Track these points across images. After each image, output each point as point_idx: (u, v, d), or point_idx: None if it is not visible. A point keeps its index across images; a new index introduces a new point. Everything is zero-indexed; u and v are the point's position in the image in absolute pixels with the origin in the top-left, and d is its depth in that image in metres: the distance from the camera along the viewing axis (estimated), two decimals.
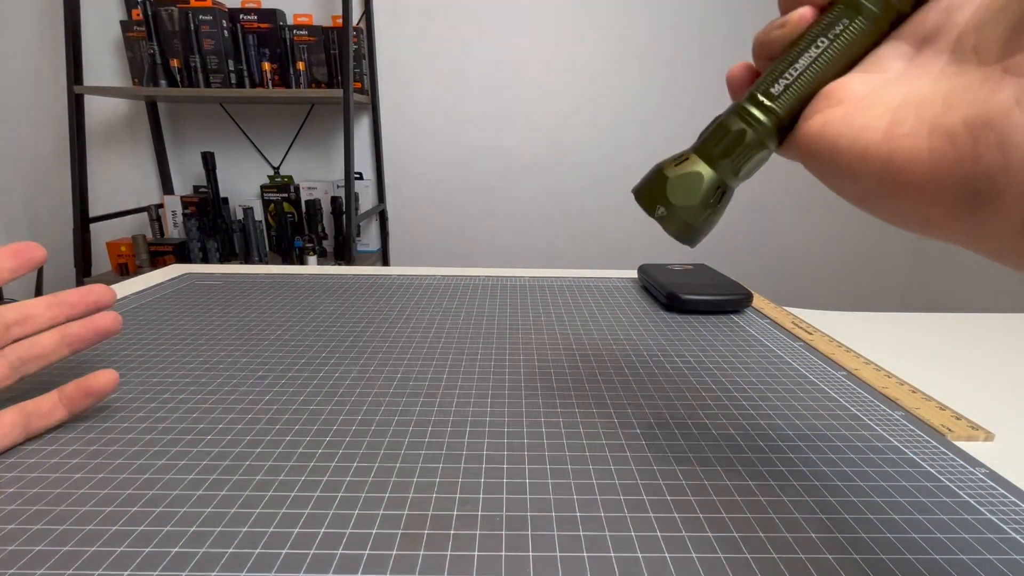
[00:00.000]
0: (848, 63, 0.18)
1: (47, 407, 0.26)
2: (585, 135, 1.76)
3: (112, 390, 0.27)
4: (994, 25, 0.14)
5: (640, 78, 1.72)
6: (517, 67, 1.70)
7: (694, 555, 0.19)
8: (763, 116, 0.19)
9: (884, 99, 0.16)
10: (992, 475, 0.24)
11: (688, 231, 0.20)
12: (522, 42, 1.68)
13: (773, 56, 0.19)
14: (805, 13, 0.18)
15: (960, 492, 0.23)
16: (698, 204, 0.20)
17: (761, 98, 0.19)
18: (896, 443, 0.26)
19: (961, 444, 0.27)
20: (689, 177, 0.20)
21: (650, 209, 0.21)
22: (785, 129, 0.19)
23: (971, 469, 0.24)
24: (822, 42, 0.17)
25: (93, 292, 0.29)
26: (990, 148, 0.12)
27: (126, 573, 0.18)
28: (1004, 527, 0.21)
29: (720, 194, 0.20)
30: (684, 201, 0.20)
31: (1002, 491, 0.23)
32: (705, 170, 0.20)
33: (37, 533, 0.20)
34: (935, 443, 0.26)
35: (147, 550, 0.19)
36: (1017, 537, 0.20)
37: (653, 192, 0.20)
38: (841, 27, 0.17)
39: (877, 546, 0.19)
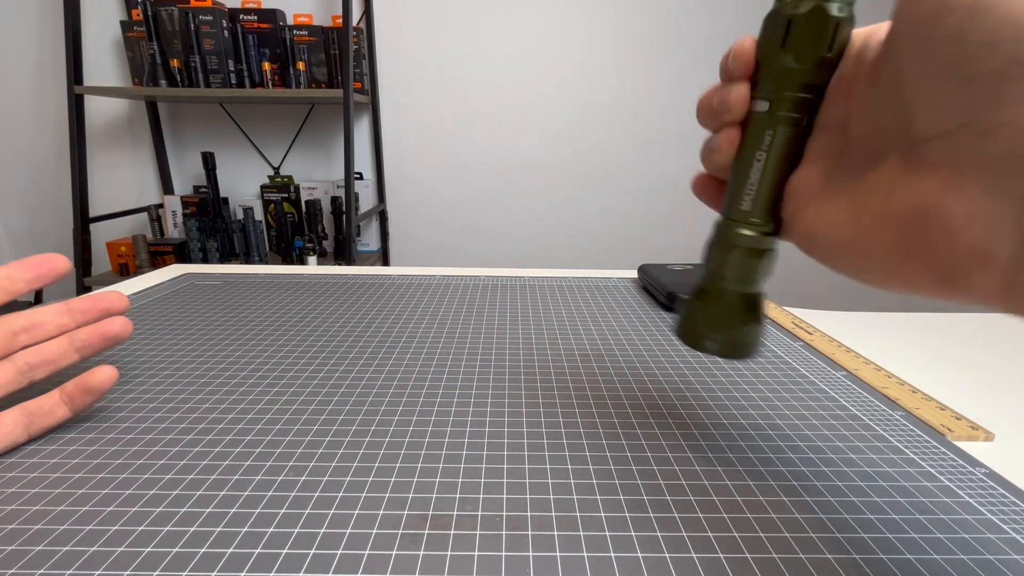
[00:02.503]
0: (793, 159, 0.19)
1: (49, 406, 0.26)
2: (585, 135, 1.76)
3: (111, 385, 0.27)
4: (886, 104, 0.15)
5: (641, 78, 1.72)
6: (517, 67, 1.70)
7: (694, 555, 0.19)
8: (752, 231, 0.20)
9: (839, 185, 0.17)
10: (992, 475, 0.24)
11: (743, 349, 0.22)
12: (523, 42, 1.68)
13: (723, 169, 0.21)
14: (730, 135, 0.20)
15: (960, 492, 0.23)
16: (741, 327, 0.21)
17: (738, 219, 0.20)
18: (896, 443, 0.26)
19: (961, 444, 0.27)
20: (720, 311, 0.21)
21: (702, 348, 0.22)
22: (773, 222, 0.20)
23: (971, 469, 0.24)
24: (760, 156, 0.19)
25: (104, 300, 0.29)
26: (939, 238, 0.13)
27: (126, 573, 0.18)
28: (1004, 527, 0.21)
29: (754, 303, 0.21)
30: (728, 333, 0.21)
31: (1002, 491, 0.23)
32: (729, 298, 0.21)
33: (37, 533, 0.20)
34: (935, 443, 0.26)
35: (147, 550, 0.19)
36: (1017, 537, 0.20)
37: (697, 334, 0.22)
38: (768, 139, 0.19)
39: (877, 546, 0.19)
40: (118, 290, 0.50)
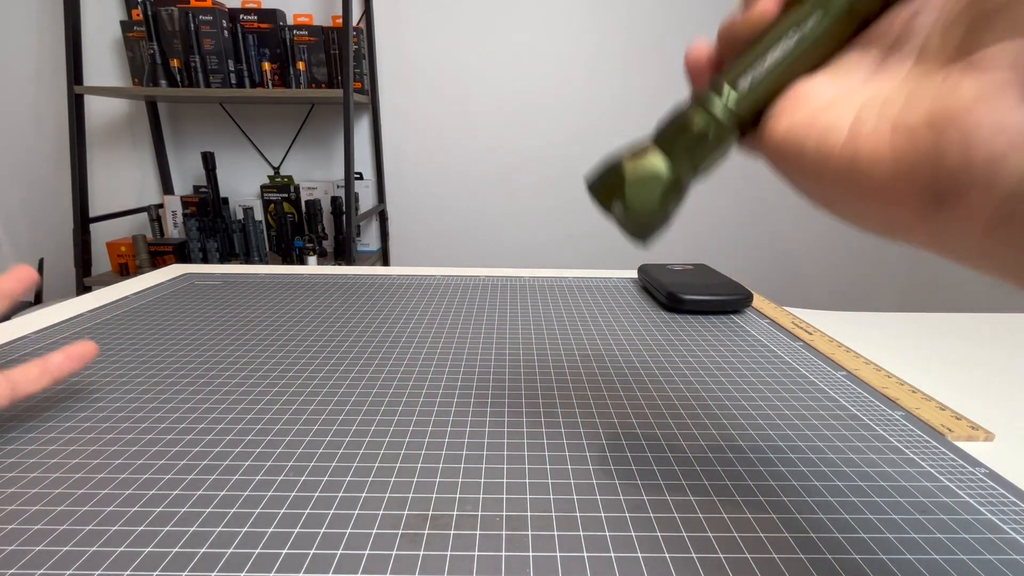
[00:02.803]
0: (816, 62, 0.17)
1: (34, 373, 0.27)
2: (585, 135, 1.76)
3: (92, 356, 0.29)
4: (957, 25, 0.14)
5: (641, 78, 1.72)
6: (517, 67, 1.70)
7: (694, 555, 0.19)
8: (727, 113, 0.18)
9: (849, 100, 0.15)
10: (992, 475, 0.24)
11: (644, 231, 0.19)
12: (522, 42, 1.68)
13: (737, 44, 0.18)
14: (768, 2, 0.17)
15: (960, 492, 0.23)
16: (656, 203, 0.19)
17: (726, 93, 0.18)
18: (896, 443, 0.26)
19: (961, 444, 0.27)
20: (648, 177, 0.19)
21: (606, 206, 0.20)
22: (746, 125, 0.18)
23: (971, 469, 0.24)
24: (791, 35, 0.17)
25: (21, 270, 0.29)
26: (953, 146, 0.12)
27: (126, 573, 0.18)
28: (1004, 527, 0.21)
29: (680, 191, 0.19)
30: (642, 202, 0.19)
31: (1002, 491, 0.23)
32: (665, 169, 0.19)
33: (37, 533, 0.20)
34: (935, 443, 0.26)
35: (147, 550, 0.19)
36: (1017, 537, 0.20)
37: (609, 188, 0.19)
38: (812, 23, 0.17)
39: (877, 546, 0.19)
40: (117, 290, 0.50)
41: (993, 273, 0.13)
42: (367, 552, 0.19)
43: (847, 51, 0.17)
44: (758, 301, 0.49)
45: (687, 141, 0.18)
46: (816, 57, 0.17)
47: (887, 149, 0.13)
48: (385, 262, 1.82)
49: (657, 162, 0.18)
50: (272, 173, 1.75)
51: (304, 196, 1.66)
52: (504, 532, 0.20)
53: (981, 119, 0.12)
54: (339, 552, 0.19)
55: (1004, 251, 0.12)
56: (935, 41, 0.14)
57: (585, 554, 0.19)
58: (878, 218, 0.14)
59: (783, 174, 0.17)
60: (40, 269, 1.67)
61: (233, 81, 1.46)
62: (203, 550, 0.19)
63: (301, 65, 1.46)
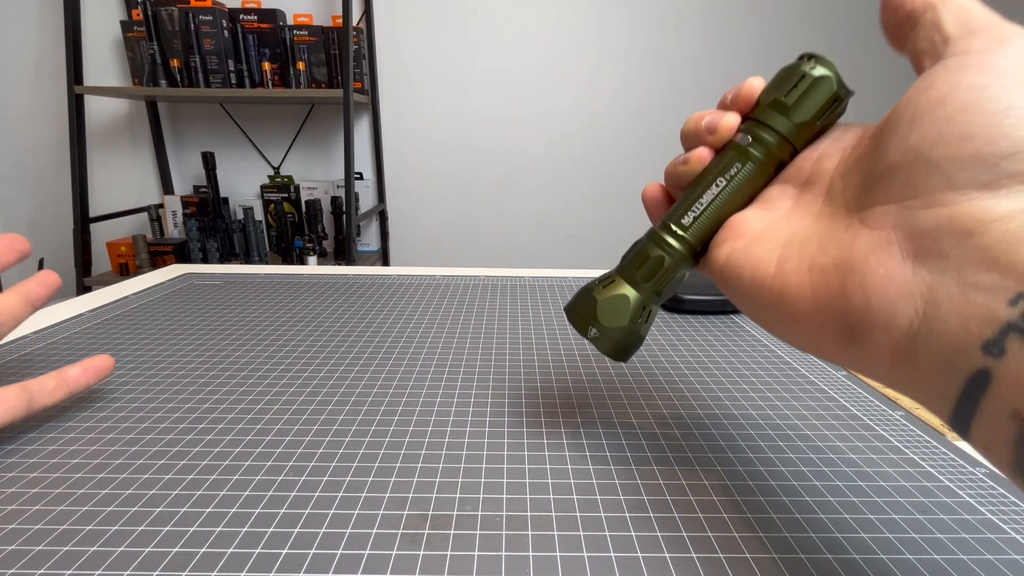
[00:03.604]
0: (745, 199, 0.20)
1: (51, 385, 0.27)
2: (585, 135, 1.76)
3: (109, 371, 0.29)
4: (853, 175, 0.16)
5: (641, 78, 1.72)
6: (517, 67, 1.70)
7: (694, 555, 0.19)
8: (677, 244, 0.21)
9: (775, 235, 0.18)
10: (992, 475, 0.24)
11: (619, 349, 0.22)
12: (522, 42, 1.68)
13: (682, 186, 0.22)
14: (702, 153, 0.21)
15: (960, 492, 0.23)
16: (627, 324, 0.22)
17: (674, 228, 0.21)
18: (896, 443, 0.26)
19: (961, 444, 0.27)
20: (616, 300, 0.22)
21: (583, 330, 0.22)
22: (698, 253, 0.21)
23: (971, 469, 0.24)
24: (720, 182, 0.20)
25: (16, 240, 0.29)
26: (855, 289, 0.14)
27: (126, 573, 0.18)
28: (1004, 527, 0.21)
29: (646, 314, 0.22)
30: (613, 323, 0.22)
31: (1002, 491, 0.23)
32: (630, 292, 0.22)
33: (37, 533, 0.20)
34: (935, 443, 0.26)
35: (147, 550, 0.19)
36: (1017, 537, 0.20)
37: (584, 315, 0.22)
38: (735, 170, 0.20)
39: (877, 546, 0.19)
40: (117, 290, 0.50)
41: (907, 396, 0.14)
42: (367, 552, 0.19)
43: (770, 187, 0.20)
44: None
45: (647, 269, 0.21)
46: (743, 196, 0.20)
47: (807, 287, 0.16)
48: (385, 262, 1.82)
49: (623, 289, 0.22)
50: (272, 173, 1.75)
51: (304, 196, 1.66)
52: (504, 532, 0.20)
53: (875, 269, 0.14)
54: (339, 552, 0.19)
55: (907, 382, 0.14)
56: (838, 185, 0.17)
57: (585, 554, 0.19)
58: (807, 343, 0.16)
59: (728, 295, 0.20)
60: (40, 269, 1.66)
61: (233, 81, 1.46)
62: (203, 550, 0.19)
63: (301, 65, 1.46)
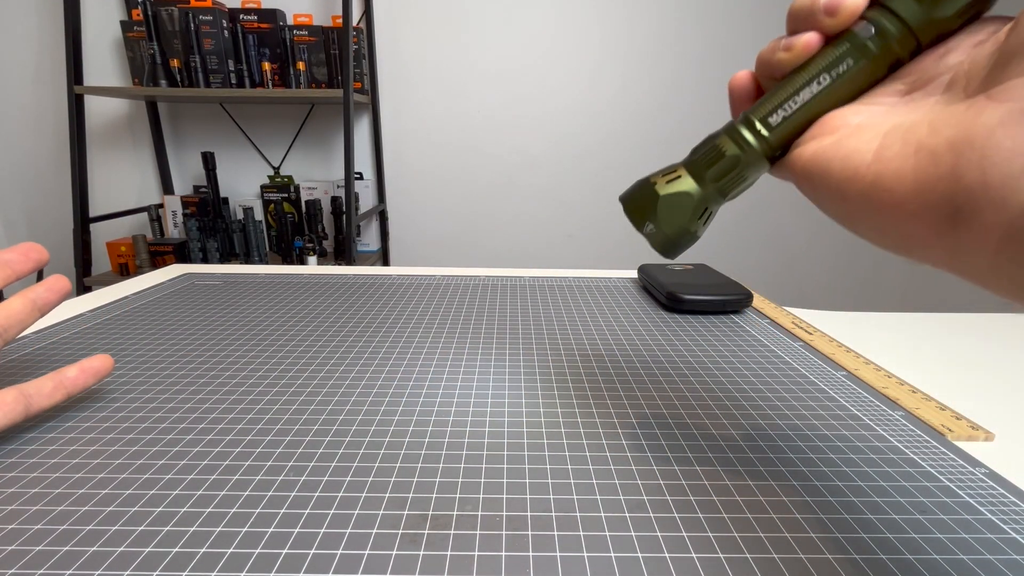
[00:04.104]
0: (846, 99, 0.18)
1: (48, 388, 0.26)
2: (585, 135, 1.76)
3: (108, 371, 0.29)
4: (983, 65, 0.15)
5: (641, 78, 1.72)
6: (517, 67, 1.70)
7: (694, 555, 0.19)
8: (758, 143, 0.19)
9: (875, 127, 0.16)
10: (992, 475, 0.24)
11: (672, 247, 0.21)
12: (522, 42, 1.68)
13: (774, 75, 0.19)
14: (811, 41, 0.18)
15: (960, 492, 0.23)
16: (685, 223, 0.20)
17: (759, 126, 0.19)
18: (896, 443, 0.26)
19: (961, 444, 0.27)
20: (679, 197, 0.20)
21: (639, 224, 0.21)
22: (777, 156, 0.19)
23: (971, 469, 0.24)
24: (824, 79, 0.18)
25: (32, 250, 0.29)
26: (971, 166, 0.13)
27: (126, 573, 0.18)
28: (1004, 527, 0.21)
29: (708, 215, 0.20)
30: (672, 222, 0.20)
31: (1002, 491, 0.23)
32: (695, 191, 0.20)
33: (37, 533, 0.20)
34: (935, 443, 0.26)
35: (147, 550, 0.19)
36: (1017, 537, 0.20)
37: (643, 207, 0.21)
38: (845, 66, 0.17)
39: (877, 546, 0.19)
40: (117, 290, 0.50)
41: (1003, 292, 0.13)
42: (367, 552, 0.19)
43: (876, 87, 0.18)
44: (758, 301, 0.49)
45: (718, 168, 0.19)
46: (847, 95, 0.18)
47: (910, 170, 0.14)
48: (385, 262, 1.82)
49: (688, 185, 0.20)
50: (272, 173, 1.75)
51: (304, 196, 1.66)
52: (504, 532, 0.20)
53: (1000, 142, 0.12)
54: (339, 552, 0.19)
55: (1013, 269, 0.12)
56: (962, 77, 0.15)
57: (585, 554, 0.19)
58: (897, 234, 0.15)
59: (808, 193, 0.18)
60: (40, 271, 1.66)
61: (233, 81, 1.46)
62: (203, 550, 0.19)
63: (301, 65, 1.46)
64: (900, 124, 0.16)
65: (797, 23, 0.19)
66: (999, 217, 0.12)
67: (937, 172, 0.14)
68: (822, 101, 0.18)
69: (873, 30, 0.17)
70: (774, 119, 0.18)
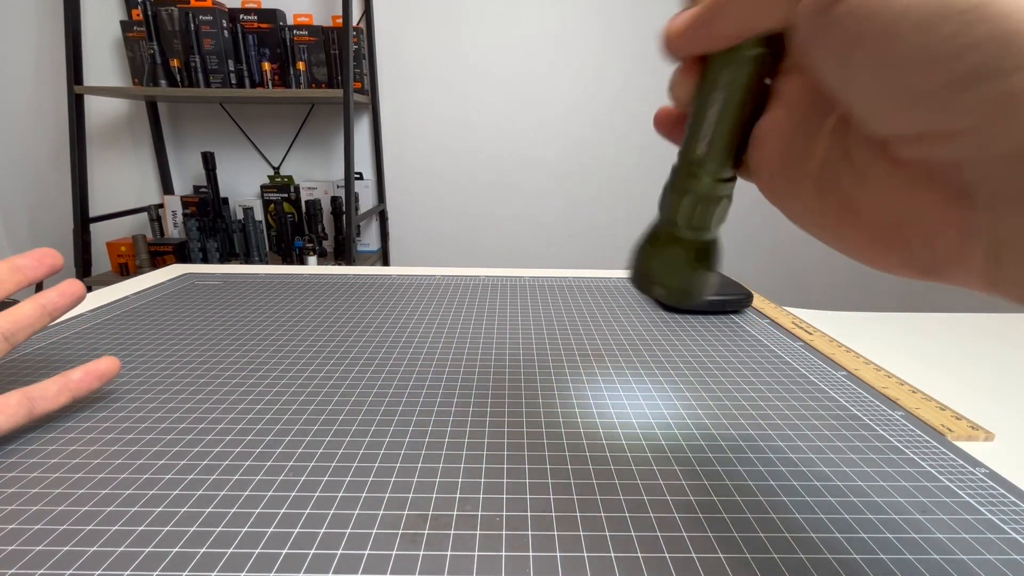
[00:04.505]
0: (756, 103, 0.18)
1: (52, 391, 0.26)
2: (586, 135, 1.76)
3: (114, 374, 0.29)
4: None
5: (641, 78, 1.72)
6: (517, 67, 1.69)
7: (694, 555, 0.19)
8: (702, 174, 0.19)
9: (799, 162, 0.16)
10: (992, 475, 0.24)
11: (688, 297, 0.21)
12: (523, 41, 1.68)
13: (686, 103, 0.19)
14: (690, 67, 0.18)
15: (960, 492, 0.23)
16: (691, 274, 0.20)
17: (692, 161, 0.19)
18: (896, 443, 0.26)
19: (961, 444, 0.27)
20: (671, 257, 0.21)
21: (650, 293, 0.21)
22: (730, 175, 0.19)
23: (971, 469, 0.24)
24: (715, 98, 0.18)
25: (47, 255, 0.29)
26: (915, 236, 0.13)
27: (126, 573, 0.18)
28: (1004, 527, 0.21)
29: (705, 251, 0.20)
30: (677, 280, 0.21)
31: (1002, 491, 0.23)
32: (681, 244, 0.20)
33: (37, 533, 0.20)
34: (935, 443, 0.26)
35: (147, 550, 0.19)
36: (1017, 537, 0.20)
37: (647, 278, 0.21)
38: (728, 76, 0.17)
39: (877, 546, 0.19)
40: (117, 290, 0.50)
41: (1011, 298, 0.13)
42: (367, 552, 0.19)
43: (783, 80, 0.17)
44: (758, 301, 0.49)
45: (684, 215, 0.20)
46: (751, 102, 0.18)
47: (868, 237, 0.15)
48: (385, 262, 1.82)
49: (670, 241, 0.20)
50: (272, 173, 1.75)
51: (304, 196, 1.66)
52: (504, 532, 0.20)
53: (926, 212, 0.13)
54: (339, 552, 0.19)
55: (1013, 298, 0.12)
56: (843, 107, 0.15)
57: (585, 554, 0.19)
58: (885, 271, 0.15)
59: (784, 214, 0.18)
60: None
61: (233, 81, 1.46)
62: (203, 550, 0.19)
63: (301, 65, 1.46)
64: (822, 161, 0.16)
65: (676, 49, 0.18)
66: (971, 273, 0.13)
67: (888, 237, 0.14)
68: (732, 115, 0.18)
69: (706, 78, 0.17)
70: (700, 149, 0.18)
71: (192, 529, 0.20)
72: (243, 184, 1.76)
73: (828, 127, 0.16)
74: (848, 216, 0.15)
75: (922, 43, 0.11)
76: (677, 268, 0.21)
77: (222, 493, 0.22)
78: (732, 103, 0.18)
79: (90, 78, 1.60)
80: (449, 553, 0.19)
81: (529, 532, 0.20)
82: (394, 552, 0.19)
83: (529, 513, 0.21)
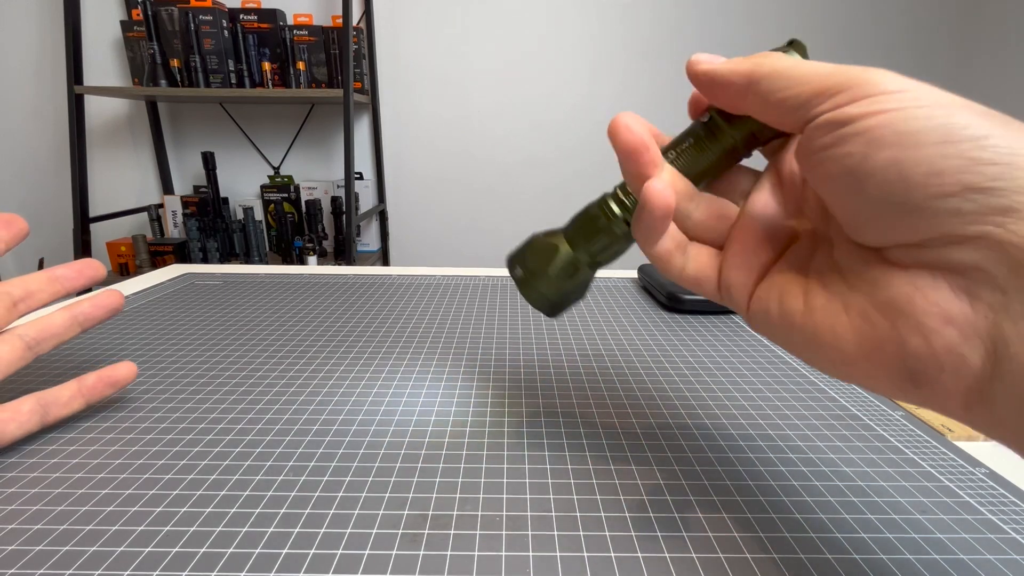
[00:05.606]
0: (699, 176, 0.19)
1: (65, 397, 0.26)
2: (586, 134, 1.76)
3: (131, 381, 0.28)
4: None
5: (641, 78, 1.72)
6: (517, 66, 1.70)
7: (694, 555, 0.19)
8: (620, 211, 0.20)
9: (788, 260, 0.17)
10: (992, 475, 0.24)
11: (542, 300, 0.22)
12: (522, 41, 1.68)
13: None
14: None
15: (960, 492, 0.23)
16: (550, 274, 0.22)
17: (621, 195, 0.20)
18: (896, 443, 0.26)
19: (961, 444, 0.27)
20: (548, 248, 0.22)
21: (511, 268, 0.23)
22: None
23: (971, 469, 0.24)
24: (671, 155, 0.19)
25: (88, 267, 0.29)
26: (912, 334, 0.13)
27: (126, 573, 0.18)
28: (1004, 527, 0.21)
29: (574, 271, 0.22)
30: (538, 267, 0.22)
31: (1002, 491, 0.23)
32: (564, 247, 0.22)
33: (37, 533, 0.20)
34: (935, 443, 0.26)
35: (147, 550, 0.19)
36: (1017, 537, 0.20)
37: (519, 255, 0.23)
38: (687, 144, 0.19)
39: (877, 546, 0.19)
40: (114, 288, 0.50)
41: (983, 434, 0.13)
42: (367, 552, 0.19)
43: (757, 192, 0.18)
44: None
45: (586, 230, 0.21)
46: (698, 171, 0.19)
47: (848, 330, 0.14)
48: (385, 262, 1.82)
49: (559, 241, 0.22)
50: (272, 173, 1.75)
51: (304, 196, 1.66)
52: (504, 532, 0.20)
53: (927, 309, 0.12)
54: (339, 552, 0.19)
55: (983, 423, 0.12)
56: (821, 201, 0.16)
57: (585, 554, 0.19)
58: (859, 382, 0.15)
59: (757, 331, 0.18)
60: (40, 266, 1.66)
61: (233, 81, 1.46)
62: (203, 550, 0.19)
63: (301, 65, 1.46)
64: (817, 270, 0.16)
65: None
66: (957, 383, 0.12)
67: (878, 335, 0.13)
68: (704, 162, 0.19)
69: (707, 118, 0.19)
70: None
71: (192, 529, 0.20)
72: (243, 184, 1.76)
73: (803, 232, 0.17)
74: (831, 319, 0.15)
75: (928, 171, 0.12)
76: (546, 264, 0.22)
77: (222, 493, 0.22)
78: (688, 165, 0.19)
79: (90, 78, 1.60)
80: (449, 553, 0.19)
81: (529, 532, 0.20)
82: (394, 552, 0.19)
83: (529, 513, 0.21)
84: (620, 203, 0.20)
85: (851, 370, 0.14)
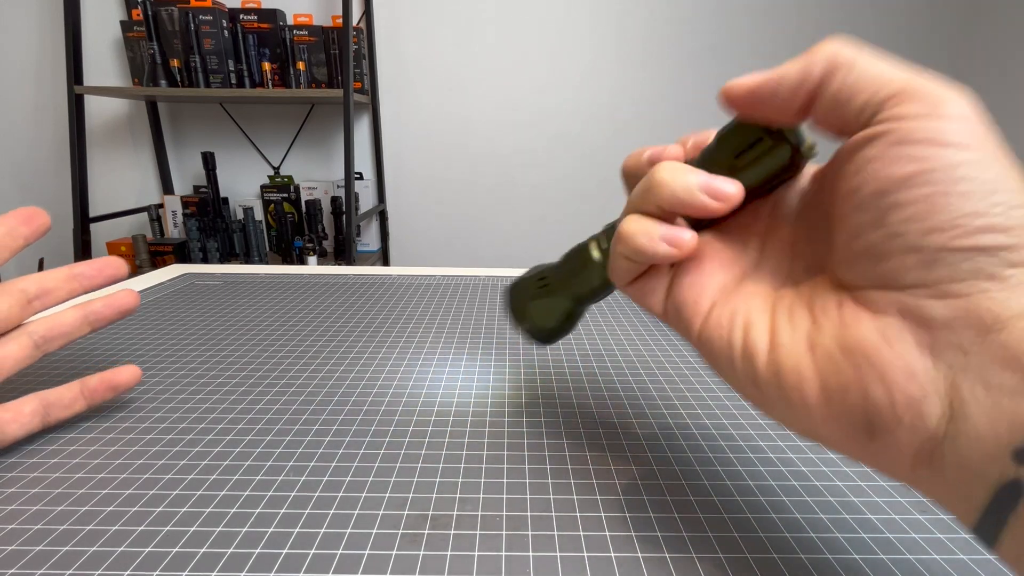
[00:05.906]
0: (763, 189, 0.18)
1: (68, 398, 0.26)
2: (585, 134, 1.76)
3: (134, 385, 0.28)
4: (817, 238, 0.15)
5: (642, 78, 1.72)
6: (518, 66, 1.70)
7: (694, 555, 0.19)
8: (603, 258, 0.21)
9: (748, 291, 0.16)
10: None
11: (546, 340, 0.25)
12: (522, 42, 1.68)
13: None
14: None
15: None
16: (554, 326, 0.24)
17: (604, 242, 0.21)
18: None
19: None
20: (548, 305, 0.24)
21: (516, 323, 0.25)
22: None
23: None
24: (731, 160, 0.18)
25: (109, 265, 0.28)
26: (875, 382, 0.13)
27: (126, 573, 0.18)
28: None
29: (566, 318, 0.24)
30: (543, 324, 0.24)
31: None
32: (561, 300, 0.23)
33: (37, 533, 0.20)
34: None
35: (147, 550, 0.19)
36: None
37: (520, 311, 0.25)
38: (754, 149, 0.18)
39: (877, 546, 0.19)
40: (114, 288, 0.50)
41: (926, 496, 0.13)
42: (367, 552, 0.19)
43: (730, 233, 0.18)
44: None
45: (582, 275, 0.22)
46: (762, 187, 0.18)
47: (811, 369, 0.14)
48: (385, 262, 1.82)
49: (555, 293, 0.23)
50: (272, 173, 1.75)
51: (304, 196, 1.66)
52: (504, 532, 0.20)
53: (893, 361, 0.12)
54: (339, 552, 0.19)
55: (928, 484, 0.12)
56: (802, 244, 0.16)
57: (585, 554, 0.19)
58: (811, 433, 0.14)
59: (710, 365, 0.17)
60: (40, 269, 1.66)
61: (233, 81, 1.46)
62: (203, 550, 0.19)
63: (301, 65, 1.46)
64: (775, 299, 0.16)
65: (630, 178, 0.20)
66: (911, 438, 0.12)
67: (841, 380, 0.13)
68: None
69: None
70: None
71: (192, 529, 0.20)
72: (243, 184, 1.76)
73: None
74: (795, 359, 0.14)
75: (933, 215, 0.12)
76: (550, 320, 0.24)
77: (222, 493, 0.22)
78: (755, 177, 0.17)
79: (90, 78, 1.60)
80: (449, 553, 0.19)
81: (529, 532, 0.20)
82: (394, 552, 0.19)
83: (529, 513, 0.21)
84: (603, 251, 0.21)
85: (808, 414, 0.14)
